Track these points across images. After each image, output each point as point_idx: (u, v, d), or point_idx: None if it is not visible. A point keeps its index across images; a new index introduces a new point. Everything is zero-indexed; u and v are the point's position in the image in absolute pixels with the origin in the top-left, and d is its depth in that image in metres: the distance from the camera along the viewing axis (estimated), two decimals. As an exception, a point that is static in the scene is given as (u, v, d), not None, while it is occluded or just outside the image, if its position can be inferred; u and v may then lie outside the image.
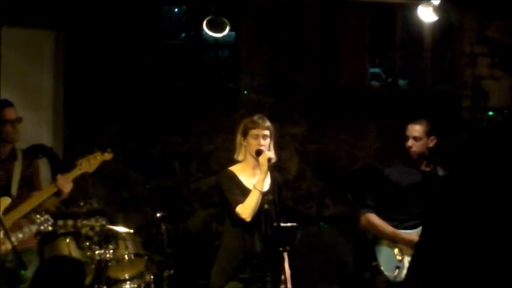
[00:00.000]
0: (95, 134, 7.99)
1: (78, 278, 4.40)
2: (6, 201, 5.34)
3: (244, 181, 5.06)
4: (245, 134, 5.07)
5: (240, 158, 5.12)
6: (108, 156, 5.45)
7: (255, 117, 5.11)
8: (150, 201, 7.88)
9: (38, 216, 5.21)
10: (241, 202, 4.96)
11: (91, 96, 8.01)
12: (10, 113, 5.49)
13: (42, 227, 5.24)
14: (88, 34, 7.95)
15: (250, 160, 5.07)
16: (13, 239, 5.08)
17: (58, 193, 5.34)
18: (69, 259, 5.97)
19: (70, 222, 6.82)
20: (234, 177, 5.06)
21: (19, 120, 5.53)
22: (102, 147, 5.46)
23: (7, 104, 5.56)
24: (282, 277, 4.95)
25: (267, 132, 5.05)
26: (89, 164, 5.37)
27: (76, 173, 5.35)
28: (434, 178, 5.83)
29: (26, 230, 5.17)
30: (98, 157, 5.41)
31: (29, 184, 5.51)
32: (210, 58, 8.62)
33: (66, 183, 5.30)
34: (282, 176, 5.42)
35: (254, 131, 5.04)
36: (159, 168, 8.12)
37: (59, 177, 5.34)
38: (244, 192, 5.00)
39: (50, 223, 5.28)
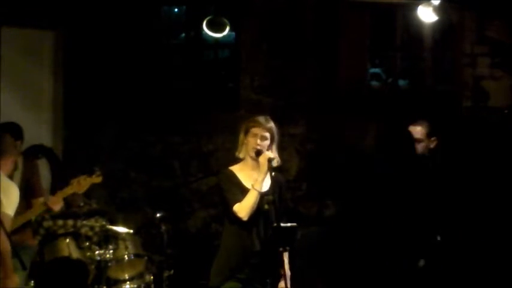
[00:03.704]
0: (95, 134, 8.00)
1: (81, 278, 4.43)
2: None
3: (243, 180, 5.05)
4: (246, 132, 5.07)
5: (241, 155, 5.12)
6: (97, 179, 5.70)
7: (259, 117, 5.09)
8: (150, 201, 7.88)
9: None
10: (240, 201, 4.95)
11: (91, 96, 8.00)
12: None
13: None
14: (87, 34, 7.94)
15: (250, 160, 5.07)
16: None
17: (48, 209, 5.58)
18: (72, 260, 6.02)
19: (70, 222, 6.81)
20: (233, 177, 5.06)
21: None
22: (91, 170, 5.68)
23: None
24: (282, 277, 4.94)
25: (266, 134, 5.03)
26: (79, 185, 5.61)
27: (67, 192, 5.60)
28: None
29: None
30: (88, 179, 5.64)
31: (28, 187, 5.55)
32: (210, 58, 8.62)
33: (56, 202, 5.56)
34: (283, 176, 5.39)
35: (254, 130, 5.03)
36: (159, 168, 8.12)
37: (51, 197, 5.58)
38: (244, 191, 4.99)
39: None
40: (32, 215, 5.48)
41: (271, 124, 5.07)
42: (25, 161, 5.61)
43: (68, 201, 6.26)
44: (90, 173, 5.62)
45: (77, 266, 6.24)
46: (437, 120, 6.03)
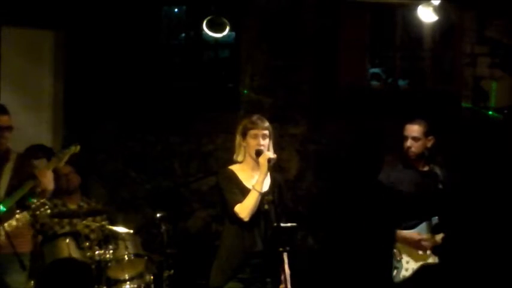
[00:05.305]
0: (95, 134, 8.00)
1: (84, 280, 4.43)
2: None
3: (244, 181, 5.06)
4: (244, 135, 5.07)
5: (239, 158, 5.12)
6: (75, 149, 5.67)
7: (254, 118, 5.11)
8: (150, 201, 7.88)
9: (34, 200, 5.30)
10: (240, 201, 4.96)
11: (91, 96, 8.01)
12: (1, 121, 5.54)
13: (37, 212, 5.31)
14: (88, 34, 7.96)
15: (250, 161, 5.07)
16: (6, 226, 5.22)
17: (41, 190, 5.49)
18: (76, 261, 6.02)
19: (66, 220, 6.80)
20: (233, 176, 5.06)
21: (9, 128, 5.57)
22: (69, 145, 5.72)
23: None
24: (282, 277, 4.94)
25: (266, 132, 5.06)
26: (59, 158, 5.63)
27: (51, 165, 5.57)
28: (433, 178, 5.84)
29: (19, 216, 5.24)
30: (66, 151, 5.65)
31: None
32: (210, 58, 8.62)
33: (42, 173, 5.46)
34: (282, 176, 5.39)
35: (253, 131, 5.04)
36: (159, 168, 8.13)
37: (38, 164, 5.60)
38: (244, 191, 5.00)
39: (46, 207, 5.40)
40: (22, 192, 5.44)
41: (267, 122, 5.10)
42: (17, 164, 5.62)
43: (59, 186, 6.25)
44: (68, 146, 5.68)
45: (80, 268, 6.25)
46: (435, 119, 6.02)
